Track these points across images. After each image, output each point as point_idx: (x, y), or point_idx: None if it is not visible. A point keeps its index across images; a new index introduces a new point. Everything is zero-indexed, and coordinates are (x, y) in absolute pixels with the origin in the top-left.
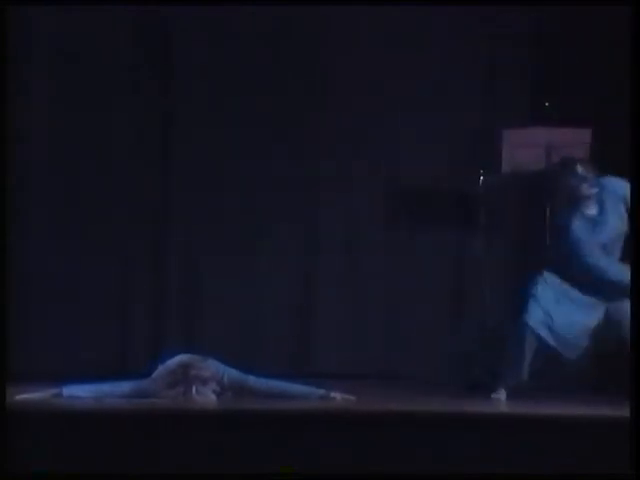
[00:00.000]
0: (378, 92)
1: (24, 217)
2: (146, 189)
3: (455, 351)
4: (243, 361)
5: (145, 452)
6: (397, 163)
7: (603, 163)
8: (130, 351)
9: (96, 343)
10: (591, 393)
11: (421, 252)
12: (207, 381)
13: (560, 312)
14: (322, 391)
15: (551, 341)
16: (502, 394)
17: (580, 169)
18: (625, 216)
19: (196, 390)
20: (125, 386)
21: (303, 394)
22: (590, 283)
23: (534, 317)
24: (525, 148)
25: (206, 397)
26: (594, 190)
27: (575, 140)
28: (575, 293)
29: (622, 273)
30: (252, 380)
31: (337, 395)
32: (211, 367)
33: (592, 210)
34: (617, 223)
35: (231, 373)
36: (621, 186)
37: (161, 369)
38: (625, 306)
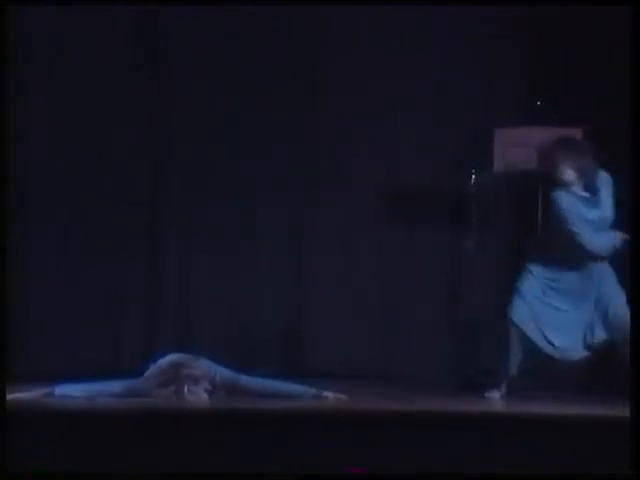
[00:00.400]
0: (373, 91)
1: (24, 217)
2: (139, 189)
3: (450, 350)
4: (235, 360)
5: (137, 451)
6: (391, 162)
7: (601, 163)
8: (122, 350)
9: (88, 342)
10: (591, 393)
11: (414, 251)
12: (199, 380)
13: (546, 307)
14: (315, 390)
15: (537, 337)
16: (495, 393)
17: (579, 147)
18: (612, 207)
19: (188, 389)
20: (117, 385)
21: (296, 393)
22: (578, 266)
23: (519, 313)
24: (518, 147)
25: (198, 396)
26: (590, 170)
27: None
28: (562, 284)
29: (608, 246)
30: (244, 379)
31: (329, 394)
32: (203, 366)
33: (585, 191)
34: (608, 208)
35: (223, 372)
36: (610, 179)
37: (153, 368)
38: (616, 295)
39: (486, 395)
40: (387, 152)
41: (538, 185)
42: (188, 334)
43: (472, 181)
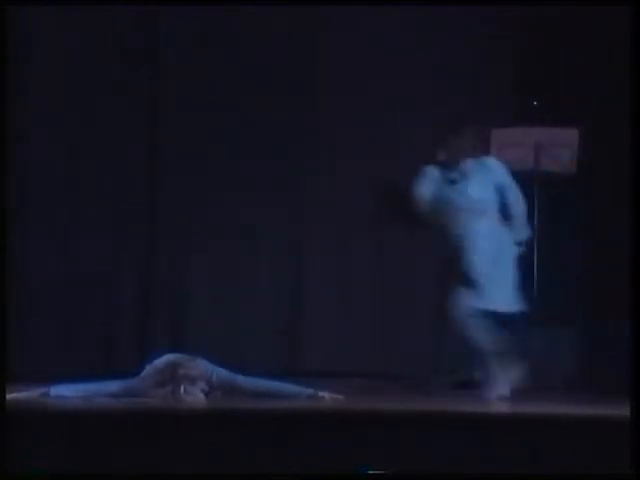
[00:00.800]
0: (373, 91)
1: (24, 217)
2: (138, 189)
3: (449, 350)
4: (232, 360)
5: (134, 451)
6: (391, 162)
7: (599, 163)
8: (119, 350)
9: (85, 342)
10: (591, 393)
11: (408, 251)
12: (195, 380)
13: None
14: (311, 390)
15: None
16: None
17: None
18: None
19: (184, 389)
20: (113, 385)
21: (292, 393)
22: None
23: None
24: (513, 147)
25: (195, 396)
26: (463, 154)
27: (563, 140)
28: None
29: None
30: (241, 379)
31: (326, 394)
32: (200, 366)
33: (456, 174)
34: (478, 194)
35: (220, 372)
36: (494, 165)
37: (149, 368)
38: None
39: (485, 395)
40: (387, 152)
41: (534, 184)
42: (184, 334)
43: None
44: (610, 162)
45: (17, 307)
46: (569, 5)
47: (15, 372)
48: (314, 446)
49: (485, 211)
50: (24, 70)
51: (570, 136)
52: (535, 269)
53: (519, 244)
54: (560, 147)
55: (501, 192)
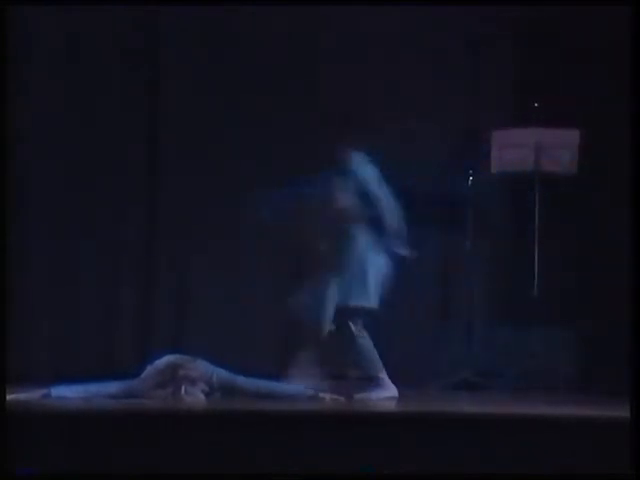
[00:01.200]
0: (373, 91)
1: (24, 217)
2: (138, 189)
3: (449, 350)
4: (232, 361)
5: (134, 452)
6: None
7: (599, 163)
8: (119, 351)
9: (85, 343)
10: (591, 393)
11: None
12: (196, 381)
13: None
14: (311, 391)
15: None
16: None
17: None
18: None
19: (185, 390)
20: (114, 386)
21: (292, 394)
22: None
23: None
24: (514, 148)
25: (195, 397)
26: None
27: (563, 141)
28: None
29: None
30: (241, 380)
31: (326, 395)
32: (200, 367)
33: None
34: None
35: (220, 373)
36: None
37: (150, 369)
38: None
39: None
40: (387, 152)
41: (534, 185)
42: (184, 335)
43: (469, 182)
44: (610, 163)
45: (17, 307)
46: (569, 5)
47: (15, 372)
48: (314, 446)
49: (352, 218)
50: (24, 70)
51: (570, 137)
52: (535, 269)
53: (395, 252)
54: (560, 148)
55: (369, 201)
